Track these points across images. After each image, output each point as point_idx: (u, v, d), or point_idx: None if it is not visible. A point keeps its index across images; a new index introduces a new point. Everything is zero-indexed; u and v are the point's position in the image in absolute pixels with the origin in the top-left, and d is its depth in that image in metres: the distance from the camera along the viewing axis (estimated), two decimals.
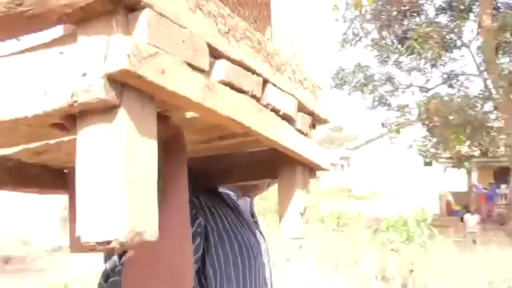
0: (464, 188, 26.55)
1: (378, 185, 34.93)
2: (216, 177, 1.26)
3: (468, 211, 21.99)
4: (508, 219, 15.57)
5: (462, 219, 22.05)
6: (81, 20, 0.65)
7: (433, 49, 14.11)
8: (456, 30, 15.97)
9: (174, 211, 0.92)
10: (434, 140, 16.99)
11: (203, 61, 0.72)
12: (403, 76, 17.14)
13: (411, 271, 8.04)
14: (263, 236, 1.44)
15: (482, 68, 15.90)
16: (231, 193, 1.41)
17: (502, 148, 16.20)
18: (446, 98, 14.62)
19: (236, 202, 1.41)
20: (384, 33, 15.45)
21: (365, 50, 16.42)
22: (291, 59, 1.01)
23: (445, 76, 16.79)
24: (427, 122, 15.84)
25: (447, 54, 16.26)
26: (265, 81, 0.88)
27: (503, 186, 21.63)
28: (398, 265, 8.26)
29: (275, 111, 0.91)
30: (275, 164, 1.10)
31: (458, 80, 16.67)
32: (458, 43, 16.49)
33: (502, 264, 9.13)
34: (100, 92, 0.59)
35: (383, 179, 35.06)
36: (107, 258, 1.08)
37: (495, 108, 14.67)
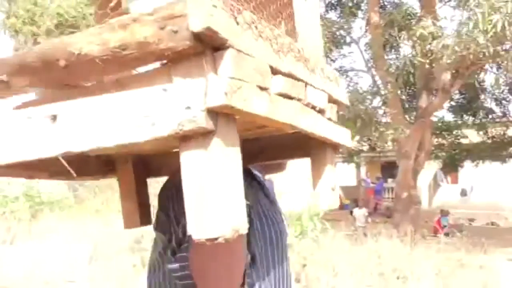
0: (353, 182, 27.39)
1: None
2: (251, 156, 1.35)
3: (357, 205, 22.67)
4: (395, 212, 16.15)
5: (351, 213, 22.74)
6: (175, 60, 0.82)
7: (324, 45, 14.31)
8: (345, 26, 16.34)
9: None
10: None
11: (268, 81, 0.88)
12: None
13: (304, 265, 8.00)
14: (285, 217, 1.56)
15: (370, 64, 16.38)
16: (259, 174, 1.51)
17: (389, 143, 16.78)
18: None
19: (264, 183, 1.51)
20: None
21: None
22: (320, 58, 1.16)
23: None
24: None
25: (337, 50, 16.60)
26: (306, 84, 1.05)
27: (390, 180, 22.57)
28: (291, 260, 8.18)
29: (314, 107, 1.09)
30: (306, 145, 1.28)
31: (347, 76, 17.04)
32: (348, 39, 16.88)
33: (391, 256, 9.36)
34: (202, 122, 0.78)
35: (278, 174, 35.48)
36: (158, 226, 1.26)
37: (384, 103, 15.13)
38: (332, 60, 16.71)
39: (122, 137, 0.83)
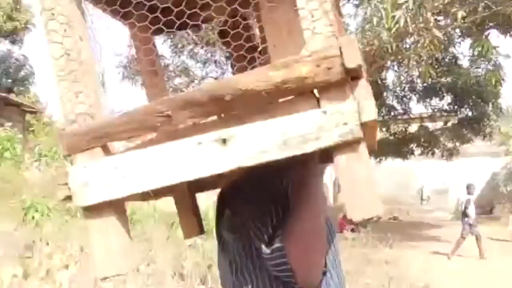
0: None
1: None
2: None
3: None
4: None
5: None
6: (325, 88, 1.17)
7: None
8: None
9: (320, 195, 1.41)
10: None
11: None
12: (199, 68, 16.93)
13: (210, 266, 7.70)
14: None
15: None
16: None
17: None
18: None
19: None
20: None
21: (157, 39, 15.75)
22: None
23: None
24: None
25: None
26: None
27: None
28: (196, 261, 7.88)
29: None
30: None
31: None
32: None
33: None
34: (358, 133, 1.14)
35: None
36: (233, 229, 1.54)
37: None
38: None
39: (289, 151, 1.15)
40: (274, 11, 1.48)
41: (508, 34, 12.99)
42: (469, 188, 13.81)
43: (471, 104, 17.48)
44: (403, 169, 27.72)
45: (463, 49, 21.37)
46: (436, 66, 16.63)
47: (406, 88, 18.77)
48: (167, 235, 8.60)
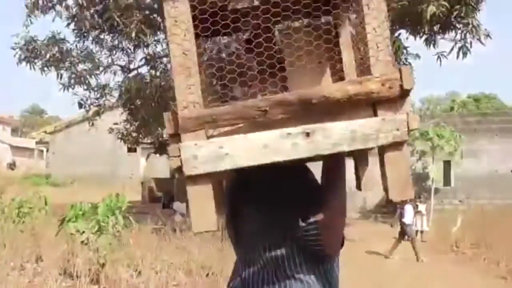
0: (167, 174, 26.84)
1: (80, 172, 33.58)
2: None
3: (172, 198, 22.13)
4: None
5: (164, 206, 22.16)
6: (383, 101, 1.66)
7: (136, 28, 13.41)
8: (160, 11, 15.63)
9: (343, 178, 1.89)
10: (136, 123, 16.46)
11: None
12: (104, 55, 16.18)
13: (103, 265, 7.20)
14: None
15: None
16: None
17: None
18: (147, 79, 14.12)
19: None
20: (82, 2, 14.07)
21: (61, 21, 14.96)
22: None
23: (148, 57, 16.31)
24: (128, 104, 15.17)
25: (151, 35, 15.79)
26: None
27: None
28: (88, 259, 7.34)
29: None
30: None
31: (161, 63, 16.34)
32: (163, 25, 16.17)
33: (201, 252, 8.92)
34: (406, 137, 1.66)
35: (85, 164, 33.80)
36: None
37: (202, 92, 14.66)
38: (146, 45, 15.90)
39: (355, 145, 1.65)
40: (296, 39, 1.95)
41: (418, 35, 13.21)
42: None
43: None
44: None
45: None
46: None
47: None
48: (56, 230, 7.98)
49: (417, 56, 14.35)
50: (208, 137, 1.67)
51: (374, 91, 1.66)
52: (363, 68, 1.77)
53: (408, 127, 1.67)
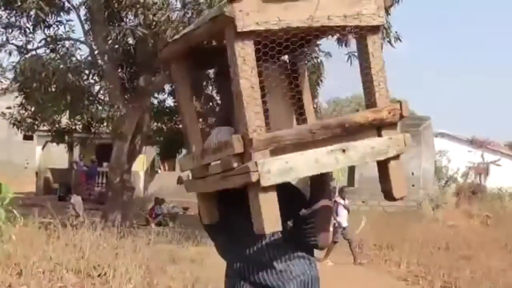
0: (65, 164, 25.55)
1: None
2: None
3: (69, 190, 20.99)
4: (107, 199, 15.02)
5: (60, 199, 21.00)
6: (388, 125, 2.33)
7: (35, 6, 12.41)
8: None
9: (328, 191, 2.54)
10: (32, 109, 15.35)
11: None
12: None
13: None
14: None
15: (90, 35, 14.89)
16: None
17: (105, 124, 15.62)
18: (46, 61, 13.11)
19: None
20: None
21: None
22: None
23: (48, 39, 15.22)
24: (23, 88, 14.08)
25: (54, 16, 14.75)
26: None
27: (105, 164, 21.23)
28: None
29: None
30: None
31: (63, 46, 15.30)
32: (66, 5, 15.14)
33: (94, 250, 8.25)
34: (404, 150, 2.37)
35: None
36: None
37: (101, 78, 13.84)
38: (47, 26, 14.81)
39: (374, 158, 2.28)
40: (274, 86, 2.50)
41: None
42: (341, 192, 12.94)
43: None
44: None
45: None
46: None
47: None
48: None
49: (329, 54, 14.28)
50: (271, 155, 2.09)
51: (384, 117, 2.31)
52: (368, 100, 2.38)
53: (405, 143, 2.35)
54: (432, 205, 26.62)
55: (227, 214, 2.49)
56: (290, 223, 2.45)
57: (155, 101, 18.93)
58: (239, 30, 1.98)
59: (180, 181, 30.33)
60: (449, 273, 10.71)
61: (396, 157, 2.33)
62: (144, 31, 10.88)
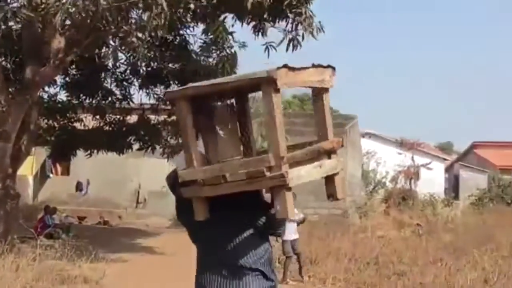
0: None
1: None
2: None
3: None
4: None
5: None
6: (334, 151, 4.05)
7: None
8: None
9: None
10: None
11: None
12: None
13: None
14: None
15: None
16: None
17: None
18: None
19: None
20: None
21: None
22: None
23: None
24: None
25: None
26: None
27: None
28: None
29: None
30: None
31: None
32: None
33: None
34: (341, 167, 4.10)
35: None
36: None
37: None
38: None
39: (331, 171, 3.88)
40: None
41: (244, 21, 13.05)
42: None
43: None
44: (118, 166, 27.08)
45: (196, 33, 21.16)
46: (163, 49, 16.32)
47: (128, 71, 18.11)
48: None
49: (244, 44, 14.29)
50: (290, 167, 3.42)
51: (335, 146, 3.84)
52: (320, 133, 3.87)
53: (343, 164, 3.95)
54: (359, 213, 27.26)
55: (210, 217, 3.67)
56: (263, 220, 3.81)
57: (45, 96, 18.38)
58: (278, 87, 3.33)
59: (79, 187, 29.59)
60: None
61: (340, 172, 3.91)
62: (30, 14, 10.45)
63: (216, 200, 3.59)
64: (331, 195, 3.87)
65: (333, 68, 3.91)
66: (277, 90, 3.33)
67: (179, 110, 3.68)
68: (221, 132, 3.80)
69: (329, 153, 3.80)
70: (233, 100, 4.07)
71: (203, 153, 3.76)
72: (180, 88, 3.98)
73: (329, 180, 3.84)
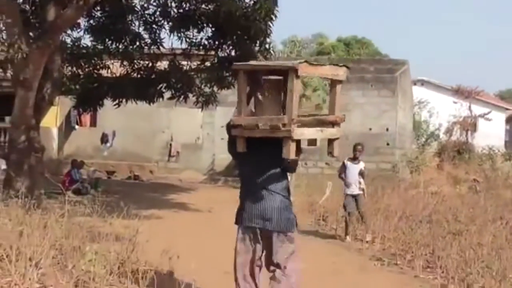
0: None
1: None
2: None
3: None
4: (9, 163, 14.60)
5: None
6: (337, 122, 6.10)
7: None
8: None
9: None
10: None
11: None
12: None
13: None
14: None
15: None
16: None
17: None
18: None
19: None
20: None
21: None
22: None
23: None
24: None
25: None
26: None
27: (7, 118, 20.57)
28: None
29: None
30: None
31: None
32: None
33: None
34: (341, 134, 6.21)
35: None
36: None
37: None
38: None
39: (331, 136, 5.88)
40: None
41: None
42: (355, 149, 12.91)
43: (235, 40, 17.24)
44: (148, 116, 27.23)
45: None
46: None
47: (157, 13, 17.99)
48: None
49: None
50: (299, 127, 5.38)
51: (337, 120, 5.72)
52: (330, 110, 5.84)
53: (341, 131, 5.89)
54: (410, 168, 27.06)
55: (249, 152, 5.73)
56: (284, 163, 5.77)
57: (68, 40, 18.41)
58: (298, 75, 5.24)
59: (105, 139, 29.87)
60: (433, 252, 10.64)
61: (339, 138, 5.74)
62: None
63: (253, 140, 5.69)
64: (330, 153, 5.89)
65: (347, 68, 5.89)
66: (298, 77, 5.27)
67: (239, 78, 5.76)
68: (262, 98, 5.71)
69: (332, 124, 5.74)
70: (276, 77, 5.76)
71: (253, 110, 5.74)
72: (243, 63, 6.12)
73: (331, 142, 5.82)
